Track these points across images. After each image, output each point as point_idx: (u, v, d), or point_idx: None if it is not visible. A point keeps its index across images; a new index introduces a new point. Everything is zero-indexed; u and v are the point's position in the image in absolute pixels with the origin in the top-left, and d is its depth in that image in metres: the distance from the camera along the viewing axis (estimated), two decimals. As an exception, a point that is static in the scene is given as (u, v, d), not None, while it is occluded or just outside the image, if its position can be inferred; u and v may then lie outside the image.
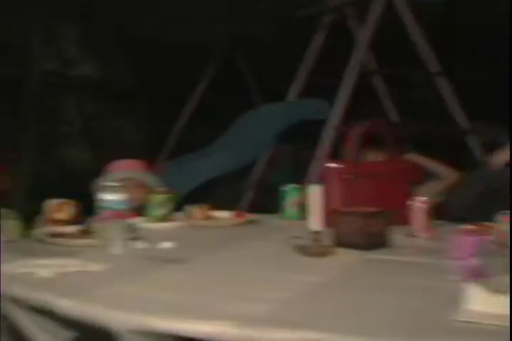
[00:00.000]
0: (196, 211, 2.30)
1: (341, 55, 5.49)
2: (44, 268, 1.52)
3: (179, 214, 2.35)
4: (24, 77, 9.23)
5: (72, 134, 10.21)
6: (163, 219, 2.24)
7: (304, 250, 1.73)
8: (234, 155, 5.79)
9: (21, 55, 9.85)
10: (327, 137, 4.84)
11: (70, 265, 1.56)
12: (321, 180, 2.17)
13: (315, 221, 1.75)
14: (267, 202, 6.50)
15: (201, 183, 5.58)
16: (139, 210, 2.22)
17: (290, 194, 2.42)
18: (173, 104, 8.69)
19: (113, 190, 1.72)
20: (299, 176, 7.90)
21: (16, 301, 1.40)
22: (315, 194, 1.77)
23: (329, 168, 2.27)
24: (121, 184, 1.78)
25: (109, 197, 1.70)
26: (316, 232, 1.74)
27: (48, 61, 9.82)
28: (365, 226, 1.85)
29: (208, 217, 2.31)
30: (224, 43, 8.07)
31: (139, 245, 1.82)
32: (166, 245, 1.85)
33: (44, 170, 9.35)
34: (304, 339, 1.08)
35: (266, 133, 5.89)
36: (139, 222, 2.06)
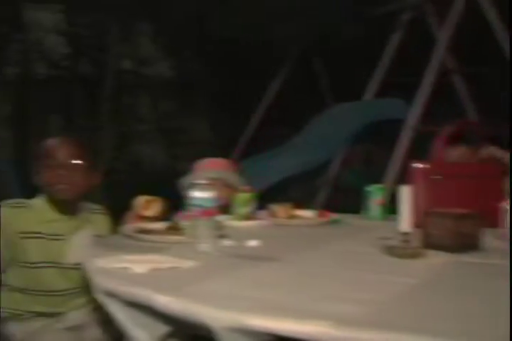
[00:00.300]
0: (280, 209, 2.30)
1: (419, 53, 5.41)
2: (137, 263, 1.55)
3: (262, 213, 2.35)
4: (101, 76, 9.47)
5: (146, 132, 10.41)
6: (247, 217, 2.25)
7: (393, 251, 1.71)
8: (309, 155, 5.78)
9: (99, 54, 10.11)
10: (405, 137, 4.77)
11: (163, 261, 1.58)
12: (408, 180, 2.14)
13: (404, 222, 1.72)
14: (341, 201, 6.48)
15: (275, 182, 5.60)
16: (225, 209, 2.24)
17: (373, 194, 2.39)
18: (246, 102, 8.74)
19: (203, 187, 1.74)
20: (372, 176, 7.83)
21: (110, 295, 1.43)
22: (404, 194, 1.74)
23: (416, 168, 2.23)
24: (210, 182, 1.80)
25: (199, 195, 1.72)
26: (406, 233, 1.72)
27: (124, 60, 10.05)
28: (456, 227, 1.81)
29: (292, 216, 2.31)
30: (299, 42, 8.05)
31: (226, 243, 1.83)
32: (253, 243, 1.86)
33: (119, 167, 9.57)
34: (406, 342, 1.06)
35: (341, 133, 5.86)
36: (224, 220, 2.07)
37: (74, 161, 2.07)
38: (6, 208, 2.03)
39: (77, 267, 2.03)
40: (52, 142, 2.11)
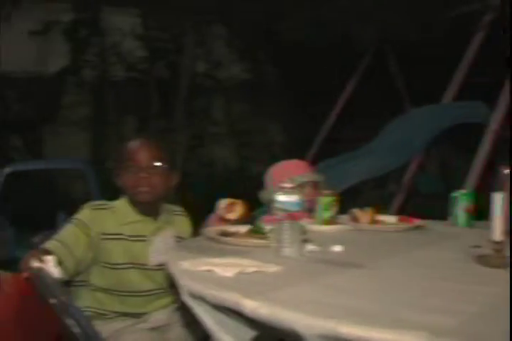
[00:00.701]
0: (362, 214, 2.26)
1: (500, 54, 5.25)
2: (222, 267, 1.54)
3: (344, 217, 2.32)
4: (176, 78, 9.60)
5: (219, 134, 10.51)
6: (330, 221, 2.22)
7: (485, 260, 1.65)
8: (386, 159, 5.70)
9: (174, 57, 10.26)
10: (487, 141, 4.63)
11: (247, 265, 1.58)
12: (496, 187, 2.06)
13: (497, 230, 1.66)
14: (416, 207, 6.35)
15: (347, 187, 5.54)
16: (309, 212, 2.22)
17: (460, 199, 2.32)
18: (320, 104, 8.70)
19: (288, 191, 1.72)
20: (448, 181, 7.66)
21: (197, 298, 1.44)
22: (497, 202, 1.68)
23: (503, 174, 2.15)
24: (297, 186, 1.78)
25: (285, 199, 1.70)
26: (498, 242, 1.66)
27: (198, 63, 10.17)
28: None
29: (374, 221, 2.27)
30: (373, 44, 7.96)
31: (310, 248, 1.81)
32: (337, 249, 1.83)
33: (192, 169, 9.68)
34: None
35: (419, 138, 5.75)
36: (307, 224, 2.05)
37: (155, 164, 2.08)
38: (88, 210, 2.06)
39: (160, 268, 2.06)
40: (133, 144, 2.12)
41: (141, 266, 2.06)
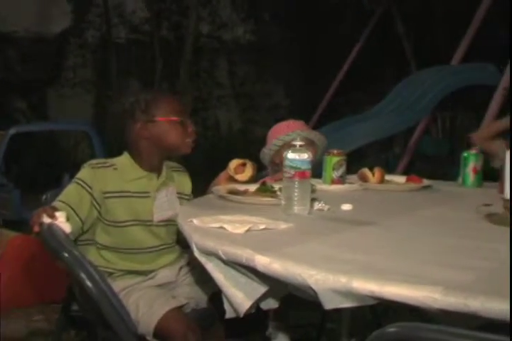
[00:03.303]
0: (371, 174, 2.25)
1: (509, 15, 5.16)
2: (233, 224, 1.54)
3: (353, 177, 2.31)
4: (180, 40, 9.51)
5: (223, 96, 10.45)
6: (338, 180, 2.21)
7: (496, 218, 1.65)
8: (391, 121, 5.66)
9: (178, 18, 10.13)
10: (496, 101, 4.59)
11: (258, 222, 1.57)
12: (510, 146, 2.05)
13: (508, 188, 1.65)
14: (420, 168, 6.33)
15: (354, 148, 5.53)
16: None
17: (468, 160, 2.31)
18: (326, 67, 8.62)
19: (298, 149, 1.71)
20: (452, 143, 7.63)
21: (208, 254, 1.44)
22: (509, 160, 1.66)
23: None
24: (303, 144, 1.77)
25: (294, 156, 1.69)
26: (509, 200, 1.65)
27: (202, 24, 10.05)
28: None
29: (383, 181, 2.26)
30: (378, 3, 7.84)
31: (319, 206, 1.81)
32: (346, 207, 1.83)
33: (196, 131, 9.65)
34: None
35: (425, 100, 5.70)
36: (316, 183, 2.05)
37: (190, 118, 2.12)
38: (88, 169, 2.03)
39: (164, 224, 2.06)
40: (167, 96, 2.11)
41: (145, 223, 2.06)
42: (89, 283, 1.49)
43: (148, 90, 2.16)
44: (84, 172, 2.02)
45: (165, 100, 2.07)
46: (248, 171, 2.15)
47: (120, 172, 2.06)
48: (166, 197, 2.10)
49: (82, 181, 2.00)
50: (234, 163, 2.16)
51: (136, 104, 2.05)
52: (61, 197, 1.97)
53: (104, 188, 2.01)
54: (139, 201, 2.05)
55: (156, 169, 2.11)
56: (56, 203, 1.94)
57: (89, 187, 1.99)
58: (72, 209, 1.94)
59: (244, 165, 2.16)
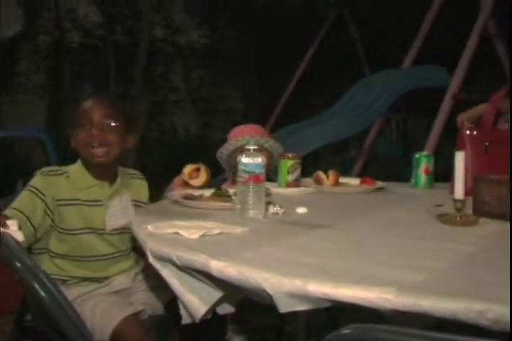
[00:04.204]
0: (325, 176, 2.27)
1: (459, 18, 5.27)
2: (188, 229, 1.54)
3: (307, 180, 2.33)
4: (134, 45, 9.44)
5: (179, 101, 10.41)
6: (293, 184, 2.23)
7: (446, 219, 1.68)
8: (346, 124, 5.72)
9: (132, 23, 10.06)
10: (446, 105, 4.68)
11: (212, 227, 1.57)
12: (458, 147, 2.09)
13: (458, 189, 1.68)
14: (375, 170, 6.40)
15: (311, 151, 5.56)
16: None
17: (420, 161, 2.35)
18: (280, 71, 8.66)
19: (252, 153, 1.71)
20: (406, 145, 7.75)
21: (164, 260, 1.43)
22: (459, 161, 1.70)
23: (465, 134, 2.18)
24: (256, 148, 1.78)
25: (248, 161, 1.69)
26: (459, 200, 1.68)
27: (156, 29, 10.00)
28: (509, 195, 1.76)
29: (337, 183, 2.28)
30: (332, 8, 7.92)
31: (274, 209, 1.82)
32: (301, 210, 1.84)
33: (152, 136, 9.60)
34: (472, 309, 1.03)
35: (379, 102, 5.77)
36: (270, 186, 2.05)
37: (108, 121, 2.00)
38: (41, 176, 2.00)
39: (117, 232, 2.05)
40: (87, 103, 2.05)
41: (98, 231, 2.03)
42: (42, 293, 1.47)
43: (87, 98, 2.10)
44: (37, 180, 1.99)
45: (79, 109, 2.04)
46: (202, 176, 2.15)
47: (72, 180, 2.03)
48: (120, 206, 2.07)
49: (35, 188, 1.97)
50: (188, 168, 2.16)
51: (73, 112, 2.07)
52: (14, 204, 1.94)
53: (57, 196, 1.99)
54: (91, 209, 2.03)
55: (107, 177, 2.08)
56: (9, 210, 1.90)
57: (42, 194, 1.96)
58: (25, 216, 1.91)
59: (198, 170, 2.16)
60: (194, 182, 2.14)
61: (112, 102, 2.09)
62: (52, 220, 1.98)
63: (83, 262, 2.03)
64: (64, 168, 2.06)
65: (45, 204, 1.96)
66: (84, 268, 2.03)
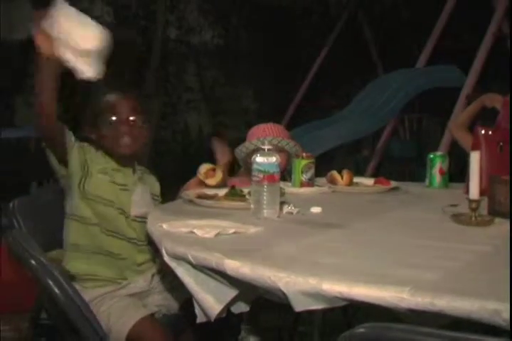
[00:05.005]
0: (339, 176, 2.27)
1: (474, 18, 5.25)
2: (202, 228, 1.54)
3: (321, 180, 2.33)
4: (148, 44, 9.46)
5: (192, 101, 10.42)
6: (307, 183, 2.23)
7: (461, 219, 1.67)
8: (360, 124, 5.71)
9: (145, 23, 10.09)
10: (460, 104, 4.66)
11: (227, 226, 1.58)
12: (473, 147, 2.09)
13: (473, 189, 1.68)
14: (389, 170, 6.39)
15: (325, 151, 5.56)
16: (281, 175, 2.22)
17: (435, 161, 2.34)
18: (294, 71, 8.66)
19: (267, 153, 1.72)
20: (420, 145, 7.72)
21: (179, 259, 1.44)
22: (474, 161, 1.70)
23: (480, 134, 2.18)
24: (272, 148, 1.78)
25: (263, 160, 1.70)
26: (474, 201, 1.68)
27: (170, 29, 10.02)
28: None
29: (351, 183, 2.28)
30: (346, 7, 7.91)
31: (288, 209, 1.82)
32: (316, 210, 1.84)
33: (166, 136, 9.62)
34: (486, 308, 1.03)
35: (392, 102, 5.76)
36: (284, 186, 2.06)
37: (135, 117, 2.07)
38: (77, 147, 2.02)
39: (139, 220, 2.05)
40: (111, 97, 2.11)
41: (124, 212, 2.06)
42: (57, 291, 1.48)
43: (102, 93, 2.15)
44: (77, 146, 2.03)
45: (103, 103, 2.09)
46: (218, 175, 2.16)
47: (104, 159, 2.08)
48: (142, 194, 2.11)
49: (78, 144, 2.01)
50: (204, 168, 2.17)
51: (89, 107, 2.12)
52: None
53: (95, 163, 2.03)
54: (121, 192, 2.06)
55: (128, 165, 2.12)
56: None
57: (83, 151, 2.02)
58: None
59: (214, 170, 2.17)
60: (210, 181, 2.15)
61: (134, 97, 2.15)
62: (84, 179, 2.00)
63: (108, 238, 2.02)
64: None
65: (85, 160, 2.01)
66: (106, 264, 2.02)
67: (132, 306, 1.94)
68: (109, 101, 2.09)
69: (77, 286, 1.92)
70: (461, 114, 2.65)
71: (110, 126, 2.05)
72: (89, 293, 1.95)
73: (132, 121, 2.07)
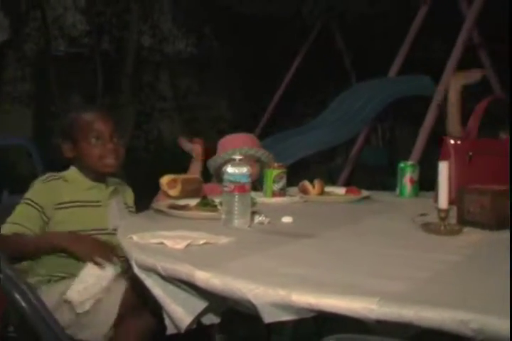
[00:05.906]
0: (311, 186, 2.28)
1: (443, 28, 5.32)
2: (173, 239, 1.53)
3: (294, 189, 2.34)
4: (121, 54, 9.44)
5: (166, 110, 10.40)
6: (279, 193, 2.23)
7: (431, 228, 1.68)
8: (332, 133, 5.74)
9: (119, 32, 10.05)
10: (432, 113, 4.71)
11: (198, 237, 1.57)
12: (442, 157, 2.11)
13: (442, 198, 1.69)
14: (361, 179, 6.42)
15: (296, 160, 5.57)
16: (253, 185, 2.22)
17: (405, 170, 2.36)
18: (267, 80, 8.68)
19: (238, 163, 1.72)
20: (392, 153, 7.78)
21: (148, 271, 1.43)
22: (443, 171, 1.71)
23: (449, 144, 2.20)
24: (242, 158, 1.78)
25: (234, 170, 1.70)
26: (443, 210, 1.69)
27: (144, 38, 10.00)
28: (493, 204, 1.77)
29: (323, 193, 2.29)
30: (319, 17, 7.96)
31: (260, 219, 1.82)
32: (287, 220, 1.84)
33: (139, 144, 9.57)
34: (455, 319, 1.03)
35: (365, 111, 5.80)
36: (256, 196, 2.06)
37: (116, 134, 2.11)
38: (39, 184, 2.05)
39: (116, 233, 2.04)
40: (90, 115, 2.13)
41: (100, 231, 2.06)
42: (23, 304, 1.46)
43: (78, 109, 2.17)
44: (35, 190, 2.05)
45: (83, 121, 2.11)
46: (179, 186, 2.14)
47: (71, 183, 2.10)
48: (117, 206, 2.15)
49: (32, 201, 2.02)
50: (165, 179, 2.16)
51: (65, 125, 2.15)
52: (12, 218, 2.00)
53: (57, 200, 2.03)
54: (92, 210, 2.09)
55: (103, 180, 2.16)
56: (8, 225, 1.97)
57: (39, 206, 2.01)
58: (25, 228, 1.97)
59: (175, 180, 2.16)
60: (172, 192, 2.15)
61: (110, 114, 2.20)
62: (47, 224, 2.01)
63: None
64: (60, 174, 2.13)
65: (43, 213, 2.00)
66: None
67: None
68: (88, 119, 2.11)
69: (44, 287, 1.93)
70: (450, 116, 2.58)
71: (92, 146, 2.08)
72: (58, 287, 1.94)
73: (114, 138, 2.11)
